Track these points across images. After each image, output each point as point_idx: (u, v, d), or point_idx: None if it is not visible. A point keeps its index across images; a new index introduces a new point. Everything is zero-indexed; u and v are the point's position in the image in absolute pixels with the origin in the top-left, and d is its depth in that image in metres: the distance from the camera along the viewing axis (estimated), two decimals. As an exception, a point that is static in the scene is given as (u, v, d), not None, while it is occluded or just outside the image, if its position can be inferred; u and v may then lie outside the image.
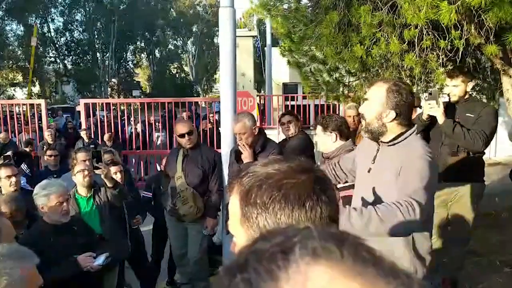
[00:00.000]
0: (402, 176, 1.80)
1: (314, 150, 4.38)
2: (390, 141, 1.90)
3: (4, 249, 1.34)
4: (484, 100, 4.61)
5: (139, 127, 9.86)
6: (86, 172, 3.34)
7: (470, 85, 3.25)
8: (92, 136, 9.28)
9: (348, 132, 2.88)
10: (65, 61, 30.02)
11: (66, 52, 30.09)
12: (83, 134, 8.69)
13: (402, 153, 1.86)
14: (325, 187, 0.82)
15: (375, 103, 1.86)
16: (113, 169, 3.89)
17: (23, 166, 6.61)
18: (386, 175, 1.88)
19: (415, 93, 3.78)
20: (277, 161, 0.85)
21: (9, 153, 6.74)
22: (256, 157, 3.42)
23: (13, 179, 3.43)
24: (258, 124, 6.93)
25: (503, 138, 6.63)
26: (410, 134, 1.87)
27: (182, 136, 3.79)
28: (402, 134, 1.87)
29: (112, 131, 9.66)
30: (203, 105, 13.56)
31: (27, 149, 7.57)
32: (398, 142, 1.88)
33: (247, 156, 3.38)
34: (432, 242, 3.41)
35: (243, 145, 3.38)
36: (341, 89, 5.01)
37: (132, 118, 10.10)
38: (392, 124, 1.86)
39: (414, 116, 3.69)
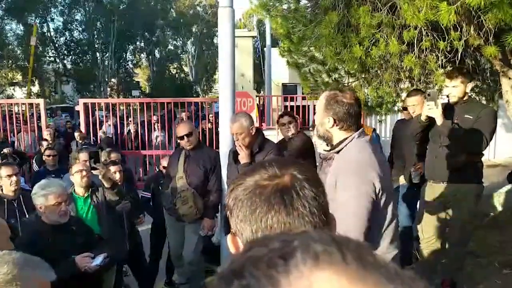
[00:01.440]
0: (338, 191, 1.85)
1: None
2: (333, 148, 2.02)
3: (24, 257, 1.33)
4: (484, 102, 4.62)
5: (133, 127, 9.87)
6: (84, 173, 3.34)
7: (470, 86, 3.24)
8: (92, 136, 9.29)
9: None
10: (65, 61, 29.96)
11: (65, 51, 30.03)
12: (76, 135, 8.68)
13: (340, 161, 1.95)
14: (290, 198, 0.79)
15: (319, 110, 2.04)
16: (112, 168, 3.90)
17: (34, 165, 6.63)
18: (327, 185, 1.93)
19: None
20: (263, 165, 0.86)
21: (5, 150, 6.73)
22: (253, 158, 3.42)
23: (14, 178, 3.43)
24: (257, 124, 6.93)
25: (503, 140, 6.64)
26: (350, 140, 1.94)
27: (181, 138, 3.79)
28: (344, 140, 1.97)
29: (112, 131, 9.66)
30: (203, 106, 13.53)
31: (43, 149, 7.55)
32: (340, 150, 1.97)
33: (243, 156, 3.37)
34: (431, 243, 3.44)
35: (240, 145, 3.38)
36: (340, 90, 5.00)
37: (131, 118, 10.08)
38: (334, 130, 1.99)
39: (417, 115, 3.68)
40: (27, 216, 3.21)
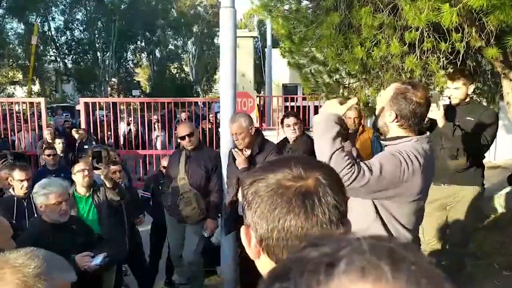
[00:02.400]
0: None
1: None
2: (385, 140, 1.90)
3: (50, 255, 1.34)
4: (484, 103, 4.61)
5: (133, 127, 9.89)
6: (86, 172, 3.34)
7: (471, 87, 3.24)
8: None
9: (346, 134, 2.87)
10: (66, 60, 29.98)
11: (66, 51, 30.04)
12: (74, 132, 8.71)
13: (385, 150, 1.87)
14: (312, 203, 0.78)
15: (383, 101, 1.88)
16: (112, 168, 3.91)
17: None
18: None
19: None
20: (287, 163, 0.83)
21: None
22: (254, 158, 3.42)
23: (25, 183, 3.44)
24: (257, 125, 6.91)
25: (503, 142, 6.63)
26: (408, 141, 1.81)
27: (183, 138, 3.79)
28: (399, 138, 1.84)
29: (112, 130, 9.67)
30: (203, 106, 13.54)
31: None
32: (391, 145, 1.85)
33: (240, 162, 3.37)
34: (432, 245, 3.44)
35: (237, 151, 3.38)
36: (341, 90, 5.01)
37: (131, 118, 10.08)
38: (393, 126, 1.85)
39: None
40: (36, 215, 3.23)
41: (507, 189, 5.44)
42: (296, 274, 0.38)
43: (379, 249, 0.39)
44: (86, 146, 8.00)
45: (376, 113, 1.95)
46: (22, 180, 3.43)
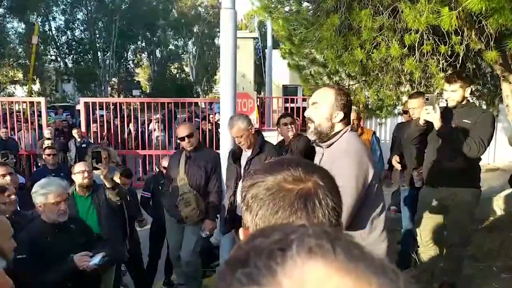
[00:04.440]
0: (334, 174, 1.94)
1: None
2: (326, 141, 2.04)
3: None
4: (484, 106, 4.62)
5: (133, 127, 9.91)
6: (86, 174, 3.34)
7: (468, 90, 3.23)
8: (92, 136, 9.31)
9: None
10: (66, 60, 30.00)
11: (67, 50, 30.05)
12: (74, 133, 8.71)
13: (334, 151, 2.00)
14: (312, 204, 0.79)
15: (325, 105, 2.00)
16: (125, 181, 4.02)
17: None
18: None
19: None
20: (287, 165, 0.84)
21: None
22: (254, 158, 3.43)
23: (8, 177, 3.44)
24: (257, 126, 6.91)
25: (502, 144, 6.65)
26: (345, 132, 2.01)
27: (182, 139, 3.79)
28: (337, 133, 2.01)
29: (112, 130, 9.69)
30: (203, 106, 13.53)
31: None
32: (334, 142, 2.01)
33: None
34: (429, 247, 3.45)
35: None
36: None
37: (131, 118, 10.10)
38: (339, 125, 2.02)
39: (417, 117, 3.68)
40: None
41: (506, 191, 5.44)
42: (255, 260, 0.43)
43: (320, 232, 0.46)
44: (83, 145, 8.03)
45: (316, 120, 2.02)
46: (4, 175, 3.44)
